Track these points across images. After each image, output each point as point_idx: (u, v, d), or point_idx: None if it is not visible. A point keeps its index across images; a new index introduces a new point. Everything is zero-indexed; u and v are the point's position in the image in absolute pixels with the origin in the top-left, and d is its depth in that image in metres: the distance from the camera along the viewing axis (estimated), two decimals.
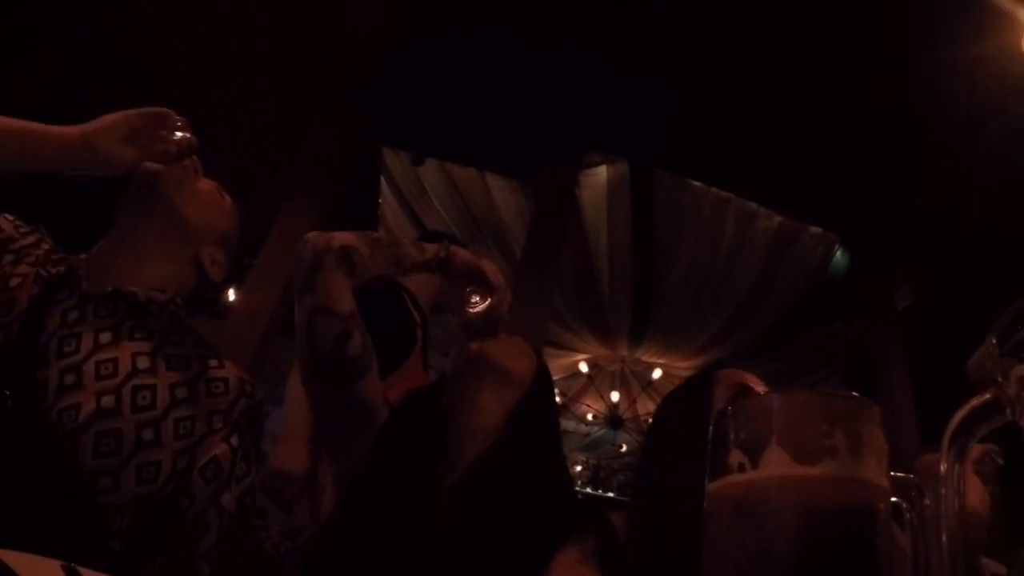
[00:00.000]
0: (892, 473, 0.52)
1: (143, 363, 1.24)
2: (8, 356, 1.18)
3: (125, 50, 4.53)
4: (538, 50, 4.55)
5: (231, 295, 5.44)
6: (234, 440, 1.25)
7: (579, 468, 8.78)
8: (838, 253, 6.12)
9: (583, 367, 7.79)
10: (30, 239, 1.36)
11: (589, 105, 4.89)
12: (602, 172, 5.68)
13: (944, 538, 0.48)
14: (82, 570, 0.83)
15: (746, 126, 4.79)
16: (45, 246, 1.37)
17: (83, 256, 1.36)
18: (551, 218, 5.25)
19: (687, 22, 4.32)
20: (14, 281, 1.27)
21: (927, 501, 0.56)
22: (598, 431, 8.69)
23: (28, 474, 1.12)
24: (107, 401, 1.18)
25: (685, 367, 7.46)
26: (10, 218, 1.37)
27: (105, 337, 1.24)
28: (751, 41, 4.35)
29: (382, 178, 5.94)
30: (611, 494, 8.48)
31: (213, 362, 1.29)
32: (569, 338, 7.21)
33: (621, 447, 9.04)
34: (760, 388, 1.30)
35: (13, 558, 0.78)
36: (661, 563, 1.15)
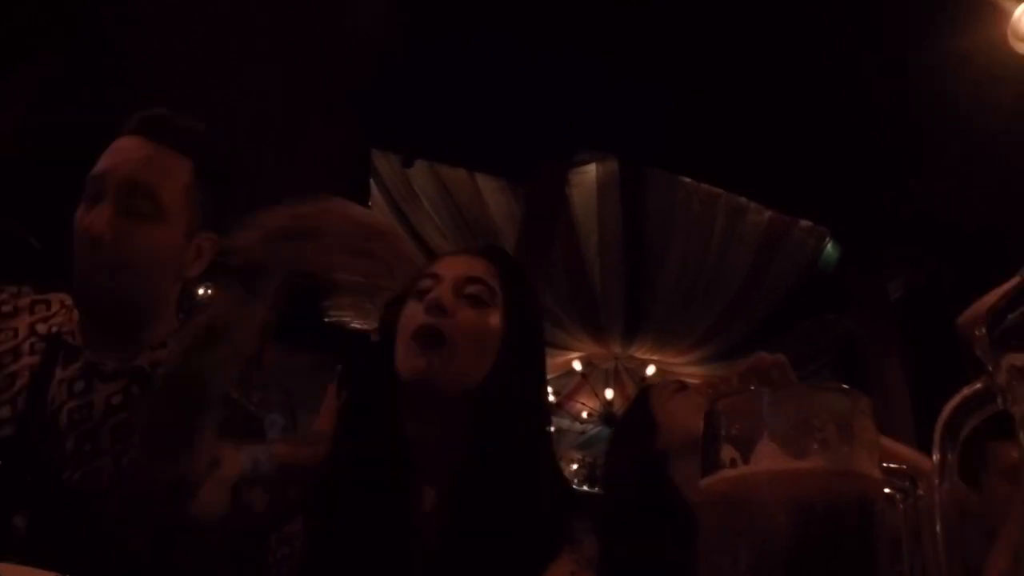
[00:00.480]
0: (885, 464, 0.52)
1: None
2: (20, 428, 1.23)
3: (125, 50, 4.52)
4: (537, 50, 4.54)
5: None
6: None
7: (575, 467, 8.74)
8: (829, 246, 6.11)
9: (577, 365, 7.76)
10: (7, 307, 1.35)
11: (588, 105, 4.89)
12: (592, 170, 5.67)
13: (938, 529, 0.48)
14: None
15: (746, 126, 4.78)
16: (25, 308, 1.35)
17: (75, 315, 1.34)
18: (543, 218, 5.25)
19: (686, 22, 4.32)
20: (7, 358, 1.29)
21: (920, 492, 0.56)
22: (593, 429, 8.65)
23: (54, 533, 1.17)
24: (128, 462, 1.24)
25: (679, 363, 7.45)
26: None
27: (116, 399, 1.29)
28: (751, 41, 4.35)
29: (371, 181, 5.92)
30: None
31: None
32: (562, 336, 7.18)
33: None
34: (694, 383, 1.59)
35: (10, 571, 0.79)
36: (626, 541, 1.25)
